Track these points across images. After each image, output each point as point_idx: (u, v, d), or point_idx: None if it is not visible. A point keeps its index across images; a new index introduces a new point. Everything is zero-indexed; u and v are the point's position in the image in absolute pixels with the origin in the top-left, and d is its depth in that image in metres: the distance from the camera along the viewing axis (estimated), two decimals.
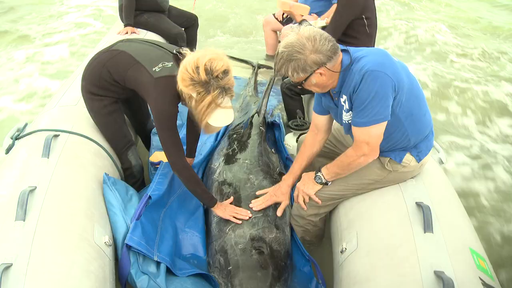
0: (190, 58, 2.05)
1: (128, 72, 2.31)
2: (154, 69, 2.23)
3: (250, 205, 2.35)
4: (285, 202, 2.39)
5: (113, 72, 2.36)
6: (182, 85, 2.04)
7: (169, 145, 2.25)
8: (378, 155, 2.06)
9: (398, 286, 1.63)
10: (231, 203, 2.39)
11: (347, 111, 2.05)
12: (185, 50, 2.28)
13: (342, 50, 2.00)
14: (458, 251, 1.77)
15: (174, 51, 2.31)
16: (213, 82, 2.00)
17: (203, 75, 1.98)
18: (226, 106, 2.10)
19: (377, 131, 1.96)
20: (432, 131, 2.23)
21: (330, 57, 1.92)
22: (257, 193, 2.43)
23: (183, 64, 2.06)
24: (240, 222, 2.27)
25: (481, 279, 1.65)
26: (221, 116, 2.11)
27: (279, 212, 2.35)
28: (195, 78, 2.00)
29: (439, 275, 1.57)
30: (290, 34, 1.94)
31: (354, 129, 2.01)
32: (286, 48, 1.91)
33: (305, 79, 1.97)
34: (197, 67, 1.99)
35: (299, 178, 2.41)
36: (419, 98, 2.07)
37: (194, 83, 2.01)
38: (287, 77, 2.04)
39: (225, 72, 2.03)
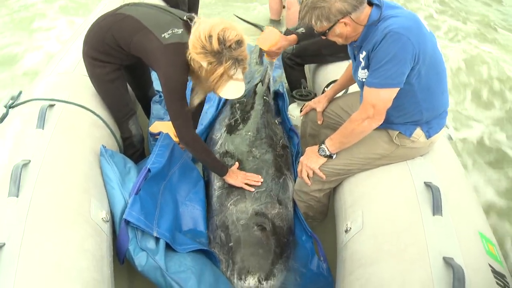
0: (203, 26, 1.96)
1: (135, 38, 2.19)
2: (163, 35, 2.12)
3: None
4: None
5: (118, 37, 2.24)
6: (193, 52, 1.96)
7: (178, 115, 2.18)
8: (381, 121, 1.97)
9: (406, 272, 1.57)
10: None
11: (363, 68, 1.97)
12: (196, 17, 2.17)
13: (375, 5, 1.90)
14: (468, 235, 1.70)
15: (185, 18, 2.20)
16: (226, 52, 1.93)
17: (215, 45, 1.91)
18: (238, 78, 2.03)
19: (386, 95, 1.88)
20: (447, 111, 2.14)
21: (356, 7, 1.84)
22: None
23: (196, 31, 1.97)
24: (253, 190, 2.25)
25: (490, 266, 1.59)
26: (232, 88, 2.04)
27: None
28: (207, 47, 1.92)
29: (448, 262, 1.51)
30: None
31: (365, 89, 1.93)
32: None
33: (329, 29, 1.90)
34: (210, 36, 1.91)
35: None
36: (439, 75, 1.97)
37: (205, 52, 1.93)
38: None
39: (239, 43, 1.96)
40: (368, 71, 1.93)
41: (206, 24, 1.97)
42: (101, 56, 2.32)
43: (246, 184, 2.28)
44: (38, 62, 4.75)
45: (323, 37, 2.01)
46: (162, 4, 4.10)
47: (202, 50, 1.93)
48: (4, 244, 1.46)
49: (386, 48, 1.79)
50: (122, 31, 2.24)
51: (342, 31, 1.91)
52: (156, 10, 2.31)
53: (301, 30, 2.79)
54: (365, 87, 1.93)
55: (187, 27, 2.12)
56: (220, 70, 1.95)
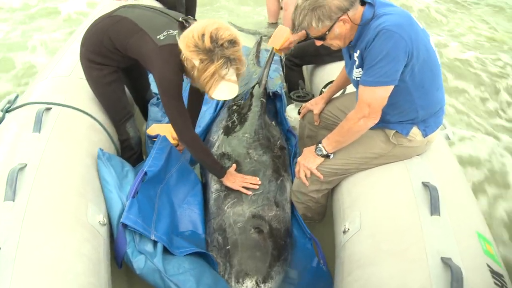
0: (197, 25, 1.97)
1: (131, 40, 2.20)
2: (158, 37, 2.12)
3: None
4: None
5: (115, 39, 2.24)
6: (186, 51, 1.95)
7: (176, 115, 2.17)
8: (377, 120, 1.97)
9: (404, 273, 1.56)
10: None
11: (358, 67, 1.97)
12: (192, 19, 2.17)
13: (368, 3, 1.90)
14: (466, 235, 1.70)
15: (180, 19, 2.19)
16: (218, 50, 1.91)
17: (207, 42, 1.90)
18: (231, 80, 2.00)
19: (381, 93, 1.87)
20: (443, 109, 2.13)
21: (352, 2, 1.85)
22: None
23: (190, 29, 1.97)
24: (250, 193, 2.23)
25: (488, 265, 1.58)
26: (224, 89, 2.02)
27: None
28: (200, 45, 1.91)
29: (446, 262, 1.50)
30: None
31: (360, 88, 1.93)
32: None
33: (329, 29, 1.89)
34: (203, 34, 1.91)
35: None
36: (433, 73, 1.97)
37: (198, 50, 1.92)
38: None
39: (232, 42, 1.94)
40: (362, 69, 1.93)
41: (199, 23, 1.97)
42: (98, 58, 2.31)
43: (244, 187, 2.27)
44: None
45: (320, 42, 1.99)
46: (158, 5, 4.12)
47: (195, 48, 1.92)
48: (0, 248, 1.46)
49: (379, 46, 1.79)
50: (118, 33, 2.24)
51: (341, 31, 1.90)
52: (152, 12, 2.31)
53: None
54: (360, 86, 1.93)
55: (183, 28, 2.11)
56: (212, 68, 1.93)
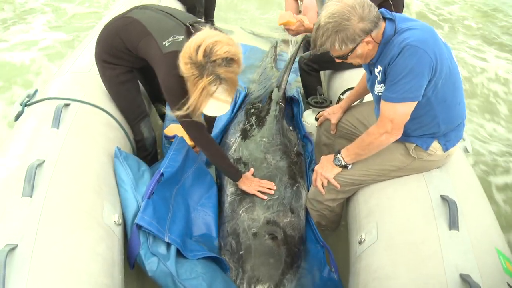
0: (199, 35, 1.88)
1: (140, 43, 2.19)
2: (164, 43, 2.09)
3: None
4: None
5: (126, 41, 2.24)
6: (181, 60, 1.88)
7: (186, 123, 2.13)
8: (400, 136, 1.95)
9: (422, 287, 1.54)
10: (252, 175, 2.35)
11: (380, 82, 1.94)
12: (200, 24, 2.12)
13: (388, 19, 1.86)
14: (485, 252, 1.67)
15: (188, 23, 2.16)
16: (209, 66, 1.82)
17: (200, 56, 1.81)
18: (220, 98, 1.92)
19: (404, 109, 1.85)
20: (464, 123, 2.10)
21: (376, 24, 1.80)
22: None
23: (192, 38, 1.89)
24: (266, 197, 2.22)
25: (509, 284, 1.56)
26: (212, 107, 1.94)
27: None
28: (193, 58, 1.82)
29: (465, 279, 1.48)
30: (330, 5, 1.80)
31: (383, 103, 1.89)
32: (331, 18, 1.77)
33: (352, 50, 1.85)
34: (199, 46, 1.82)
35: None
36: (455, 86, 1.94)
37: (191, 63, 1.84)
38: (316, 51, 1.90)
39: (227, 60, 1.84)
40: (384, 85, 1.90)
41: (202, 33, 1.89)
42: (111, 58, 2.32)
43: (259, 191, 2.25)
44: None
45: (340, 60, 1.95)
46: (179, 5, 4.12)
47: (188, 60, 1.84)
48: (17, 245, 1.46)
49: (403, 62, 1.76)
50: (129, 35, 2.23)
51: (363, 51, 1.87)
52: (161, 15, 2.27)
53: None
54: (382, 101, 1.90)
55: (189, 33, 2.07)
56: (201, 84, 1.84)
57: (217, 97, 1.91)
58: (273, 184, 2.29)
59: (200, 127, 2.18)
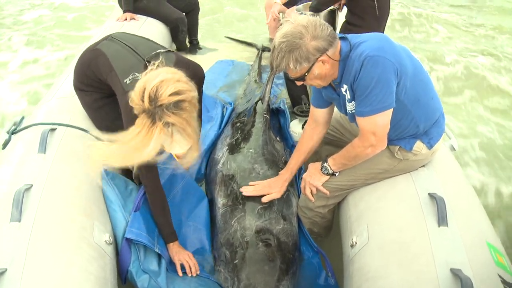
0: (142, 78, 1.78)
1: (107, 78, 2.19)
2: (125, 80, 2.07)
3: (241, 189, 2.27)
4: (276, 195, 2.26)
5: (97, 73, 2.25)
6: (134, 110, 1.78)
7: (141, 165, 1.95)
8: (385, 146, 1.97)
9: (414, 285, 1.54)
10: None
11: (349, 100, 1.95)
12: (154, 60, 1.96)
13: (341, 38, 1.88)
14: (475, 246, 1.68)
15: (146, 59, 2.12)
16: (158, 110, 1.71)
17: (146, 103, 1.70)
18: (179, 139, 1.86)
19: (382, 120, 1.86)
20: (443, 114, 2.13)
21: (331, 42, 1.81)
22: (251, 183, 2.32)
23: (140, 80, 1.79)
24: (181, 273, 2.09)
25: (500, 276, 1.56)
26: (175, 146, 1.89)
27: (264, 199, 2.22)
28: (141, 105, 1.73)
29: (456, 273, 1.49)
30: (284, 25, 1.81)
31: (359, 119, 1.90)
32: (285, 38, 1.77)
33: (308, 70, 1.84)
34: (143, 92, 1.71)
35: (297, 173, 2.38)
36: (424, 82, 1.96)
37: (142, 111, 1.74)
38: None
39: (175, 103, 1.73)
40: (354, 102, 1.91)
41: (145, 76, 1.78)
42: (87, 87, 2.34)
43: (181, 263, 2.10)
44: None
45: (300, 83, 1.95)
46: (162, 26, 4.15)
47: (139, 109, 1.75)
48: (6, 269, 1.46)
49: (368, 74, 1.77)
50: (98, 69, 2.24)
51: (320, 71, 1.86)
52: (125, 50, 2.23)
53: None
54: (358, 118, 1.91)
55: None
56: (155, 130, 1.74)
57: (176, 139, 1.86)
58: (197, 264, 2.15)
59: (151, 173, 2.08)
